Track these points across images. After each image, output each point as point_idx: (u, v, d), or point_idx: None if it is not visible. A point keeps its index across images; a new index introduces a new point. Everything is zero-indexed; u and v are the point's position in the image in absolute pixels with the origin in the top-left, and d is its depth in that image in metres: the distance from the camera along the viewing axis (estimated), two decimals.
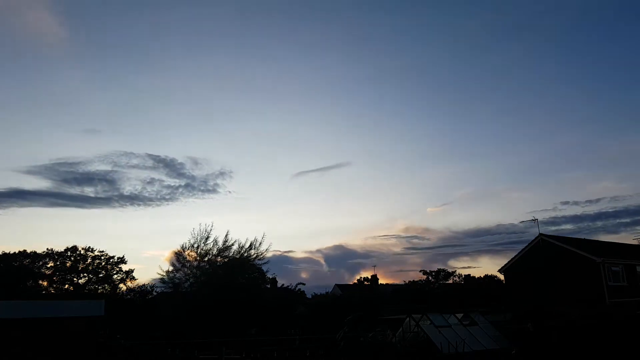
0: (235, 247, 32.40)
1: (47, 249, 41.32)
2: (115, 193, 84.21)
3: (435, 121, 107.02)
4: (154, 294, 38.24)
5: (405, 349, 23.69)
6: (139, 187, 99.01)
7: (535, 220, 41.18)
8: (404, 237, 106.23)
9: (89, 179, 78.45)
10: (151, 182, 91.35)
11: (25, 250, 40.89)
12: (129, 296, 39.79)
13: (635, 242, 49.60)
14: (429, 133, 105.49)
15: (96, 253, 42.22)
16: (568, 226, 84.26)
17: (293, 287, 43.99)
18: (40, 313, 8.60)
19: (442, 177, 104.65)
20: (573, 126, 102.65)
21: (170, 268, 31.56)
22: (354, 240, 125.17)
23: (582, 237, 45.02)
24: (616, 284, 36.12)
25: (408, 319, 26.79)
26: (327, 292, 53.64)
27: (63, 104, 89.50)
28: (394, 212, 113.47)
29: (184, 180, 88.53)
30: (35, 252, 40.86)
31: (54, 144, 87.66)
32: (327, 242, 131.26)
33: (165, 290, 33.08)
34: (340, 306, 35.44)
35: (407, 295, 53.64)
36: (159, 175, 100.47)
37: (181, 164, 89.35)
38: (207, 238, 31.92)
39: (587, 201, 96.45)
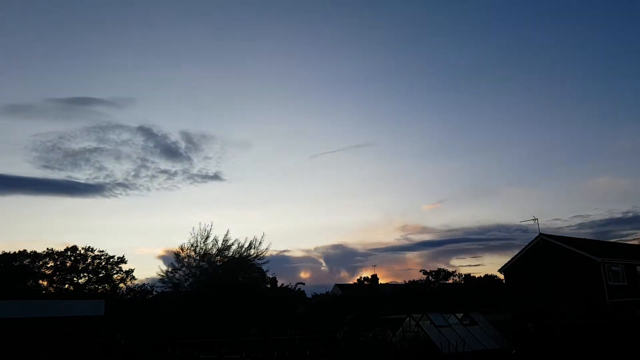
0: (235, 246, 32.45)
1: (48, 248, 41.49)
2: (107, 180, 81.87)
3: (426, 115, 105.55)
4: (154, 293, 38.28)
5: (406, 349, 23.71)
6: (131, 173, 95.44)
7: (535, 219, 41.22)
8: (403, 236, 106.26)
9: (74, 163, 74.41)
10: (144, 165, 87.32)
11: (25, 250, 41.04)
12: (129, 296, 39.81)
13: (635, 242, 49.71)
14: (420, 127, 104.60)
15: (96, 253, 42.36)
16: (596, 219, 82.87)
17: (293, 286, 44.09)
18: (40, 313, 8.59)
19: (435, 173, 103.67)
20: (578, 117, 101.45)
21: (170, 268, 31.62)
22: (353, 238, 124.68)
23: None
24: (616, 283, 36.15)
25: (408, 318, 26.79)
26: (327, 292, 53.68)
27: (42, 68, 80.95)
28: (392, 210, 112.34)
29: (178, 163, 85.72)
30: (35, 252, 41.00)
31: (32, 115, 76.09)
32: (326, 240, 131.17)
33: (165, 290, 33.11)
34: (340, 306, 35.43)
35: (407, 294, 53.66)
36: (152, 156, 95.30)
37: (175, 143, 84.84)
38: (206, 237, 31.95)
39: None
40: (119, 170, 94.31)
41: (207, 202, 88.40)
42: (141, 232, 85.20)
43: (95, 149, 76.94)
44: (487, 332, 26.64)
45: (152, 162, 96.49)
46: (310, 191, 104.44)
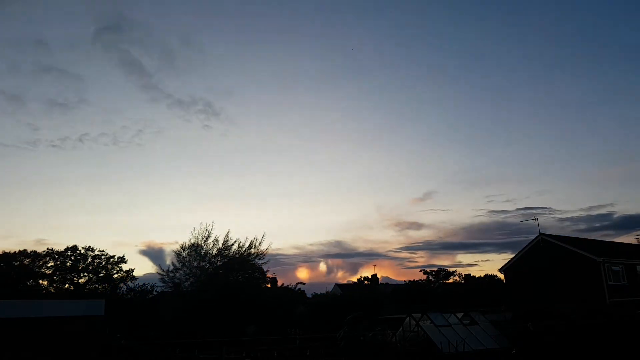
0: (235, 246, 32.47)
1: (48, 248, 41.54)
2: (73, 133, 66.81)
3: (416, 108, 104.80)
4: (154, 293, 38.28)
5: (406, 349, 23.68)
6: (94, 131, 73.22)
7: (535, 219, 41.19)
8: (399, 232, 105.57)
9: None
10: (123, 108, 72.37)
11: (25, 250, 41.07)
12: (129, 296, 39.78)
13: (635, 242, 49.69)
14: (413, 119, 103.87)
15: (96, 252, 42.41)
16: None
17: (293, 286, 44.18)
18: (40, 313, 8.61)
19: (426, 166, 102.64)
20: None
21: (170, 267, 31.65)
22: (351, 237, 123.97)
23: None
24: (616, 283, 36.12)
25: (408, 318, 26.76)
26: (327, 292, 53.72)
27: None
28: (387, 206, 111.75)
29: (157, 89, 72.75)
30: (35, 252, 41.02)
31: None
32: (321, 237, 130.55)
33: (165, 290, 33.11)
34: (340, 306, 35.44)
35: (408, 294, 53.64)
36: (132, 99, 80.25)
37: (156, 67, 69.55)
38: (207, 237, 31.97)
39: None
40: (81, 123, 74.04)
41: (198, 196, 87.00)
42: (117, 224, 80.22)
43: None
44: (487, 331, 26.62)
45: (131, 101, 78.73)
46: (302, 186, 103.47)
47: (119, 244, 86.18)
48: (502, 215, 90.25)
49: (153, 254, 67.77)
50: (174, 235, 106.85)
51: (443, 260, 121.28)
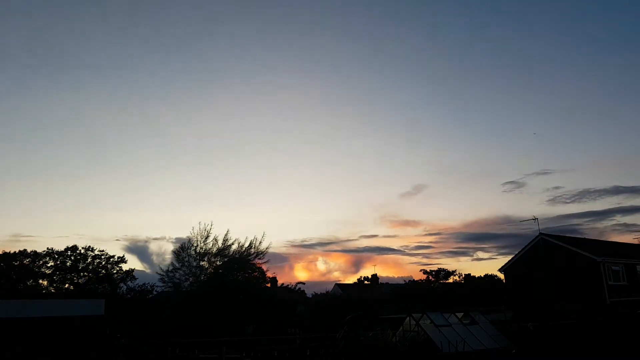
0: (235, 246, 32.46)
1: (48, 248, 41.59)
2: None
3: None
4: (154, 293, 38.31)
5: (406, 348, 23.67)
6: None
7: (535, 219, 41.19)
8: (395, 229, 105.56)
9: None
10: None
11: (25, 250, 41.10)
12: (129, 296, 39.82)
13: (635, 242, 49.72)
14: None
15: (96, 252, 42.48)
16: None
17: (293, 286, 44.22)
18: (40, 312, 8.59)
19: (422, 161, 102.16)
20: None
21: (170, 267, 31.66)
22: (351, 236, 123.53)
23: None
24: (616, 283, 36.14)
25: (408, 318, 26.75)
26: (327, 291, 53.72)
27: None
28: (388, 205, 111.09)
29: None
30: (35, 252, 41.05)
31: None
32: (324, 238, 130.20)
33: (165, 290, 33.11)
34: (340, 305, 35.40)
35: (408, 294, 53.67)
36: None
37: None
38: (206, 237, 31.96)
39: None
40: None
41: (192, 193, 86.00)
42: (96, 219, 77.88)
43: None
44: (488, 331, 26.59)
45: None
46: (300, 184, 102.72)
47: (98, 239, 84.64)
48: (504, 213, 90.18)
49: (137, 250, 67.27)
50: (160, 231, 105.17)
51: (443, 258, 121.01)
